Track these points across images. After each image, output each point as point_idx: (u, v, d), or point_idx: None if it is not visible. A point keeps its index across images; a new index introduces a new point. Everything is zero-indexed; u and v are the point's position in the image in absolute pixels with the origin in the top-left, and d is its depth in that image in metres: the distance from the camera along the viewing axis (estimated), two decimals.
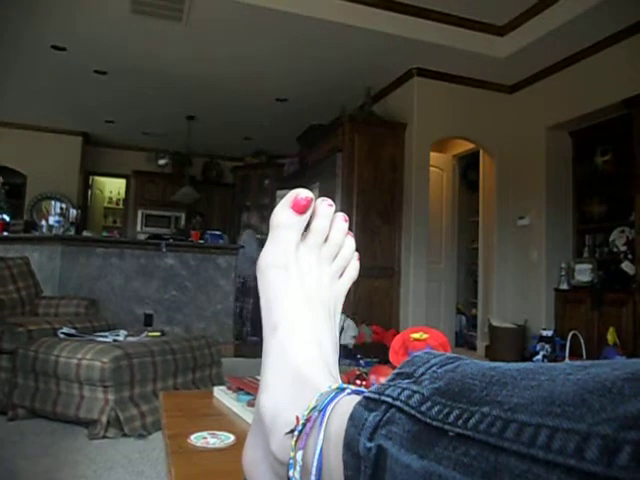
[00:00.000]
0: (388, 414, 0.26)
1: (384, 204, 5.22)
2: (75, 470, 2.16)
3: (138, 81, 5.80)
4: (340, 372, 1.09)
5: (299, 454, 0.30)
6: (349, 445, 0.27)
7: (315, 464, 0.28)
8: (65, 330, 3.19)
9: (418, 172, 5.25)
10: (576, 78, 4.80)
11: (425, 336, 1.25)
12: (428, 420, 0.24)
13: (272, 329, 0.38)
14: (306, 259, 0.41)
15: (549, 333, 4.76)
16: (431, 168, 5.53)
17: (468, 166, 6.52)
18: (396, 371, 0.29)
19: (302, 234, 0.41)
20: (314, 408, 0.31)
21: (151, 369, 2.85)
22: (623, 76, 4.33)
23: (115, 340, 3.03)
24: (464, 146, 6.07)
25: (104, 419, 2.60)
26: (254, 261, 5.43)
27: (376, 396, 0.28)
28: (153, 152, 8.57)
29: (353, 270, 0.45)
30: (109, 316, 4.25)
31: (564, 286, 4.96)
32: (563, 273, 4.99)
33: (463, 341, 6.16)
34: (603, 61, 4.53)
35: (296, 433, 0.30)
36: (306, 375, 0.35)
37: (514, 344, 5.10)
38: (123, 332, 3.22)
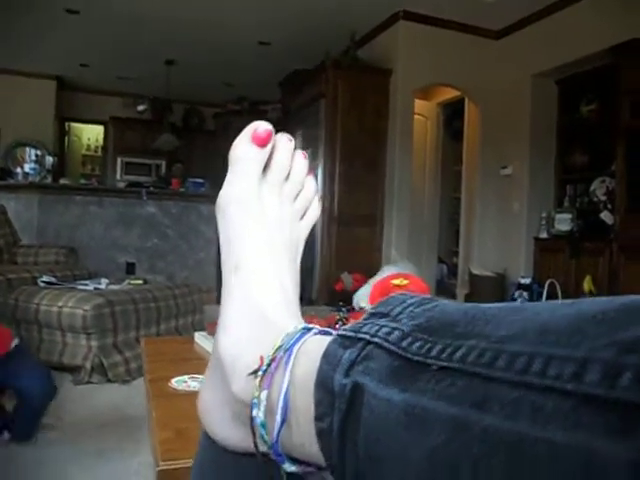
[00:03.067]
0: (365, 351, 0.26)
1: (368, 152, 5.17)
2: (61, 415, 2.19)
3: (113, 22, 5.54)
4: (320, 317, 1.09)
5: (263, 394, 0.29)
6: (322, 383, 0.26)
7: (281, 404, 0.28)
8: (45, 278, 3.16)
9: (402, 119, 5.18)
10: (564, 24, 4.69)
11: (405, 282, 1.26)
12: (409, 355, 0.24)
13: (233, 269, 0.37)
14: (267, 197, 0.40)
15: (527, 281, 4.85)
16: (415, 116, 5.45)
17: (453, 114, 6.45)
18: (371, 311, 0.28)
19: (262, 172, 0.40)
20: (280, 347, 0.30)
21: (134, 316, 2.86)
22: (611, 23, 4.24)
23: (96, 288, 3.02)
24: (449, 93, 5.98)
25: (88, 365, 2.63)
26: None
27: (352, 334, 0.27)
28: (131, 98, 8.30)
29: (315, 210, 0.44)
30: (90, 264, 4.22)
31: (544, 235, 5.03)
32: (543, 222, 5.04)
33: (444, 289, 6.27)
34: (592, 7, 4.43)
35: (260, 373, 0.30)
36: (269, 317, 0.34)
37: (493, 292, 5.20)
38: (104, 280, 3.21)
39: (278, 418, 0.28)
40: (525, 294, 4.79)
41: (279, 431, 0.28)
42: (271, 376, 0.29)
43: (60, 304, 2.70)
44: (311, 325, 0.32)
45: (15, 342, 2.00)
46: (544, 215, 5.05)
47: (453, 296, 5.98)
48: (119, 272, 4.63)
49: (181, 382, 1.07)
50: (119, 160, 8.07)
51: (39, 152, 7.23)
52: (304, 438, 0.28)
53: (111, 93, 8.23)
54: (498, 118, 5.45)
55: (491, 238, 5.55)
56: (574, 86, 4.94)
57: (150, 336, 2.87)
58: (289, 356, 0.29)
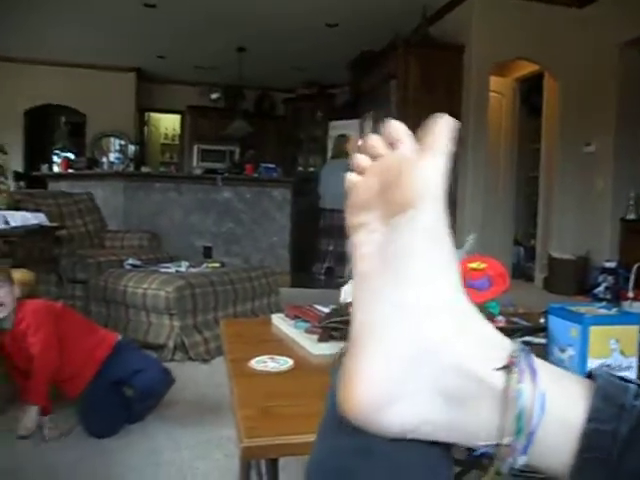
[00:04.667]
0: None
1: None
2: None
3: (187, 13, 5.70)
4: None
5: (522, 387, 0.33)
6: (607, 396, 0.33)
7: (539, 400, 0.33)
8: (131, 261, 3.35)
9: (477, 97, 5.00)
10: None
11: (483, 266, 1.23)
12: None
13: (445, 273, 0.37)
14: None
15: (612, 265, 4.58)
16: (490, 93, 5.25)
17: (530, 90, 6.14)
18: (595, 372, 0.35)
19: None
20: (518, 351, 0.34)
21: (212, 298, 2.98)
22: None
23: (177, 271, 3.17)
24: (526, 68, 5.70)
25: (171, 344, 2.77)
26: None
27: (617, 379, 0.34)
28: (205, 86, 8.55)
29: None
30: (170, 248, 4.43)
31: (631, 216, 4.72)
32: (631, 202, 4.73)
33: (520, 273, 6.05)
34: None
35: (517, 369, 0.33)
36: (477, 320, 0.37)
37: (574, 276, 4.96)
38: (185, 263, 3.36)
39: (538, 411, 0.32)
40: (610, 278, 4.53)
41: (538, 422, 0.32)
42: (522, 372, 0.33)
43: (145, 286, 2.86)
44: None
45: (118, 339, 2.14)
46: (632, 195, 4.73)
47: (531, 279, 5.76)
48: (197, 255, 4.82)
49: (260, 362, 1.11)
50: (195, 147, 8.35)
51: (122, 142, 7.63)
52: (549, 431, 0.33)
53: (186, 83, 8.51)
54: (581, 92, 5.13)
55: (572, 219, 5.28)
56: None
57: (227, 317, 2.98)
58: (532, 364, 0.34)
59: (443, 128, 0.38)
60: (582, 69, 5.09)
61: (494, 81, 5.42)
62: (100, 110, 7.70)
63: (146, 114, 9.03)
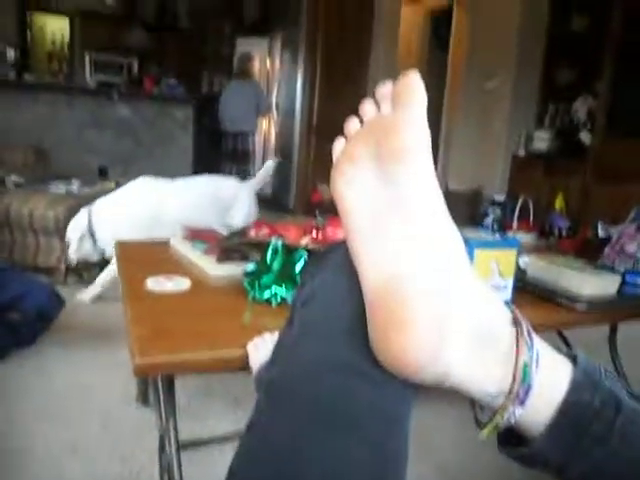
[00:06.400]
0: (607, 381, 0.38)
1: (350, 62, 4.95)
2: None
3: None
4: (299, 224, 1.09)
5: (533, 336, 0.38)
6: (587, 372, 0.38)
7: (535, 358, 0.37)
8: (14, 179, 3.08)
9: (388, 27, 4.95)
10: None
11: None
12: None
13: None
14: None
15: (501, 198, 4.92)
16: (402, 24, 5.21)
17: (440, 23, 6.17)
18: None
19: None
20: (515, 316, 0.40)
21: None
22: None
23: (68, 191, 2.96)
24: (437, 1, 5.70)
25: (62, 267, 2.63)
26: (251, 116, 5.02)
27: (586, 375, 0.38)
28: None
29: None
30: (61, 167, 4.10)
31: (521, 152, 5.04)
32: (522, 139, 5.04)
33: None
34: None
35: (525, 329, 0.38)
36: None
37: (468, 208, 5.28)
38: (76, 182, 3.14)
39: (535, 365, 0.36)
40: (498, 210, 4.87)
41: (535, 375, 0.36)
42: (529, 328, 0.38)
43: (31, 206, 2.65)
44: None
45: None
46: (523, 132, 5.03)
47: None
48: (91, 175, 4.52)
49: (156, 282, 1.08)
50: (87, 57, 7.60)
51: None
52: (540, 388, 0.36)
53: None
54: (487, 28, 5.24)
55: (470, 153, 5.54)
56: None
57: None
58: (528, 328, 0.38)
59: (417, 82, 0.40)
60: (491, 3, 5.16)
61: (405, 11, 5.37)
62: None
63: (29, 15, 8.01)
